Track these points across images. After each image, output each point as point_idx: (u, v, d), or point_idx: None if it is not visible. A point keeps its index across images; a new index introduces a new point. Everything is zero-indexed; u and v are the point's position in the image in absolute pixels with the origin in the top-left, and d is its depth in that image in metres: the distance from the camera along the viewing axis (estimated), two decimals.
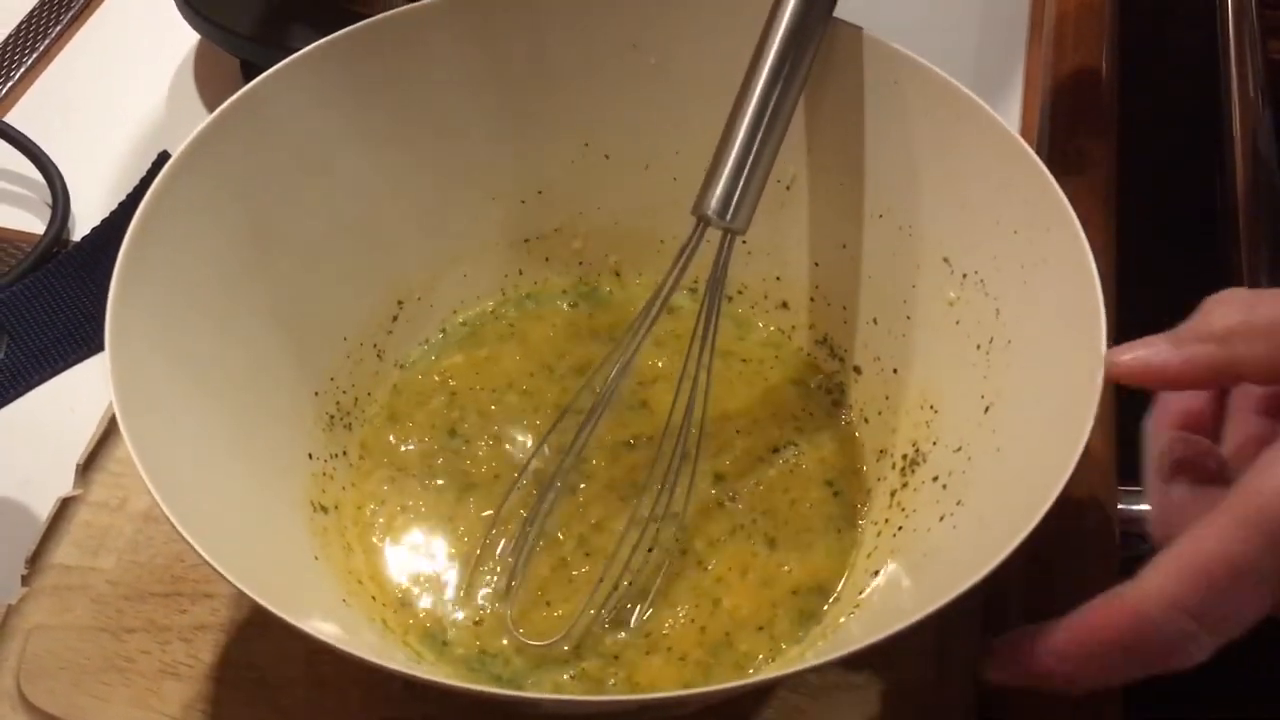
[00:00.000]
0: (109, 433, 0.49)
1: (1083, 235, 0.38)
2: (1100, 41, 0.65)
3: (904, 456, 0.45)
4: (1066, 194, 0.40)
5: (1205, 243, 0.61)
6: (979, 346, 0.42)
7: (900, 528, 0.43)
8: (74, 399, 0.53)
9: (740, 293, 0.52)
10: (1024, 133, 0.41)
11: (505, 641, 0.42)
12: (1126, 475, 0.47)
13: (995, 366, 0.41)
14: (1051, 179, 0.40)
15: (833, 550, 0.44)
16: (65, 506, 0.47)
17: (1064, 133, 0.60)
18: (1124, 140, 0.60)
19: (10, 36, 0.69)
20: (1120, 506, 0.47)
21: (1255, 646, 0.29)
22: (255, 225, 0.44)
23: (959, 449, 0.42)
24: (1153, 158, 0.65)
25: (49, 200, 0.60)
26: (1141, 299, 0.47)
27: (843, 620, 0.42)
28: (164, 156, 0.61)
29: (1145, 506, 0.38)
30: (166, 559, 0.46)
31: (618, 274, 0.53)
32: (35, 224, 0.60)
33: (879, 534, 0.44)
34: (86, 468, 0.48)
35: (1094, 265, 0.38)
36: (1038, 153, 0.41)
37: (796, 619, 0.43)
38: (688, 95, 0.48)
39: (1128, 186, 0.58)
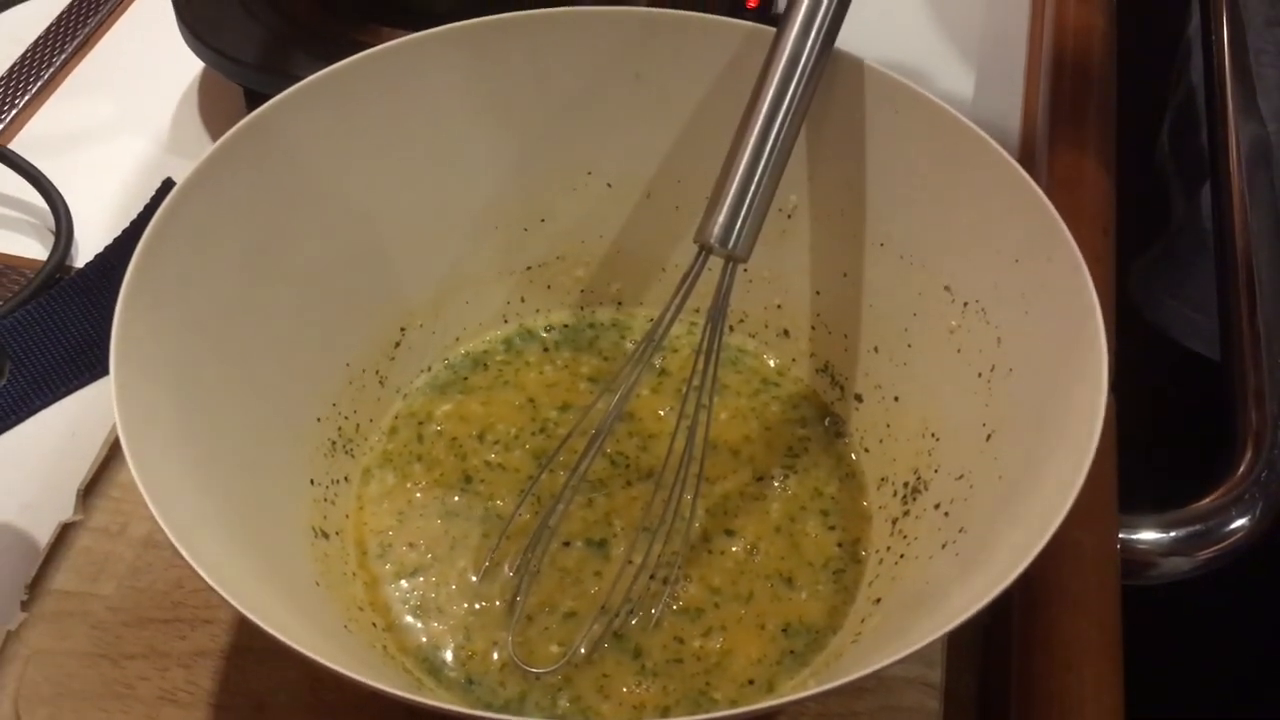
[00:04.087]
0: (110, 458, 0.49)
1: (1083, 264, 0.39)
2: (1098, 69, 0.65)
3: (905, 484, 0.45)
4: (1066, 223, 0.40)
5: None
6: (980, 374, 0.42)
7: (902, 555, 0.43)
8: (76, 424, 0.53)
9: (741, 321, 0.52)
10: (1022, 160, 0.41)
11: (504, 668, 0.42)
12: (1127, 501, 0.47)
13: (997, 394, 0.42)
14: (1051, 208, 0.40)
15: (834, 579, 0.44)
16: (66, 532, 0.47)
17: (1063, 161, 0.60)
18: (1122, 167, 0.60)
19: (15, 65, 0.69)
20: (1121, 535, 0.47)
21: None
22: (259, 252, 0.44)
23: (961, 476, 0.42)
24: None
25: (52, 227, 0.60)
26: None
27: (844, 649, 0.42)
28: (168, 184, 0.61)
29: (1147, 535, 0.38)
30: (166, 585, 0.46)
31: (620, 302, 0.53)
32: (39, 250, 0.61)
33: (880, 562, 0.44)
34: (88, 493, 0.48)
35: (1095, 294, 0.38)
36: (1036, 180, 0.41)
37: (798, 649, 0.43)
38: (690, 124, 0.49)
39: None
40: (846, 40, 0.44)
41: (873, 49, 0.45)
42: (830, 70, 0.44)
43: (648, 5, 0.55)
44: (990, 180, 0.42)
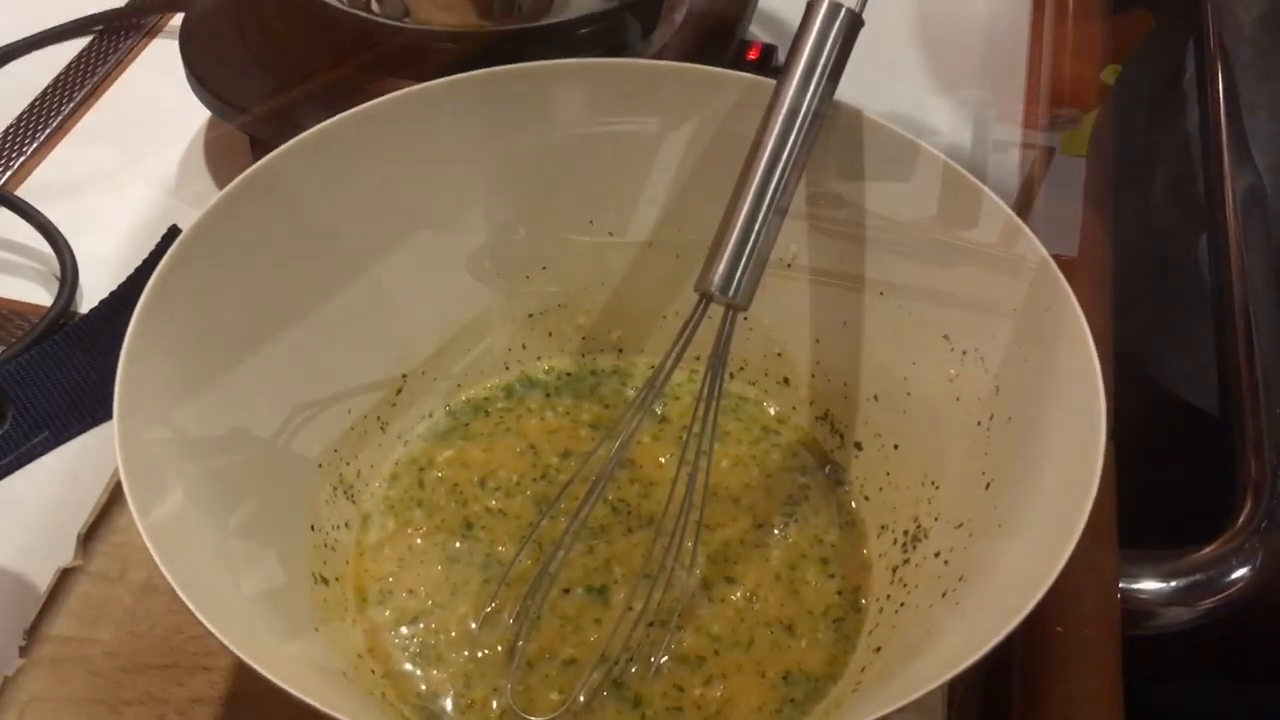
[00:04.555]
0: (111, 503, 0.49)
1: (1081, 315, 0.39)
2: (1098, 116, 0.66)
3: (905, 532, 0.45)
4: (1064, 273, 0.40)
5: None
6: (979, 423, 0.43)
7: (902, 604, 0.43)
8: (77, 469, 0.53)
9: (742, 368, 0.52)
10: (1019, 209, 0.42)
11: (504, 716, 0.42)
12: (1127, 550, 0.47)
13: (996, 443, 0.42)
14: (1050, 259, 0.41)
15: (834, 627, 0.44)
16: (65, 577, 0.47)
17: (1061, 210, 0.61)
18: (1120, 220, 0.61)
19: (25, 111, 0.70)
20: (1122, 584, 0.47)
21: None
22: (263, 299, 0.44)
23: (960, 525, 0.42)
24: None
25: (58, 273, 0.61)
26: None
27: (844, 698, 0.42)
28: (174, 231, 0.62)
29: (1147, 585, 0.38)
30: (165, 630, 0.45)
31: (621, 349, 0.53)
32: (43, 296, 0.61)
33: (881, 610, 0.44)
34: (88, 538, 0.48)
35: (1093, 345, 0.38)
36: (1033, 230, 0.42)
37: (798, 697, 0.42)
38: (691, 174, 0.49)
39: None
40: (845, 91, 0.45)
41: (872, 99, 0.46)
42: (830, 121, 0.45)
43: (650, 57, 0.56)
44: (988, 230, 0.43)
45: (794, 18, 0.44)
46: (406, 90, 0.46)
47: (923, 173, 0.44)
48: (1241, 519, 0.50)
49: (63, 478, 0.53)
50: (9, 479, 0.53)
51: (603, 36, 0.62)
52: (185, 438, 0.40)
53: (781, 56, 0.65)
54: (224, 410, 0.42)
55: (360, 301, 0.47)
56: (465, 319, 0.51)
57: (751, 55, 0.67)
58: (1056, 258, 0.41)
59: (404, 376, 0.50)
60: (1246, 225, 0.61)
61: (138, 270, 0.60)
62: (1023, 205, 0.64)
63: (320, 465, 0.46)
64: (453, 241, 0.49)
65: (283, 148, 0.44)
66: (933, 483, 0.44)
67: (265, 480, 0.43)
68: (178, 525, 0.37)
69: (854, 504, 0.48)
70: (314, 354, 0.46)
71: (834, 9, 0.44)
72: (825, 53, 0.43)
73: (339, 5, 0.61)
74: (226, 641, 0.33)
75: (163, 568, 0.34)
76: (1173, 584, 0.47)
